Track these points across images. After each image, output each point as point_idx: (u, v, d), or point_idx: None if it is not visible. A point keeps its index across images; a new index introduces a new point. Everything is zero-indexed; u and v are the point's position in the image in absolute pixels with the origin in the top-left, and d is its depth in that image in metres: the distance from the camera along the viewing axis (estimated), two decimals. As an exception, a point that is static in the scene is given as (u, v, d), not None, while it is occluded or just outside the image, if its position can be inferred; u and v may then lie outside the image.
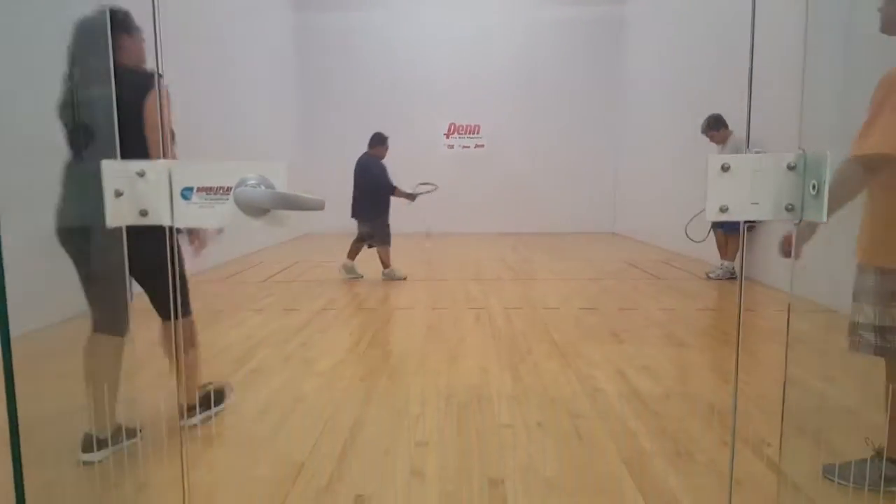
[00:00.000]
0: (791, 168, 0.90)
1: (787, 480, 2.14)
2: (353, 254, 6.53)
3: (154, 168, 0.85)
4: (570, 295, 5.69)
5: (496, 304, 5.21)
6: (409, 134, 11.28)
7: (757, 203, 0.91)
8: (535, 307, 5.06)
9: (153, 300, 2.27)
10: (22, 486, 0.88)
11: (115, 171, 0.84)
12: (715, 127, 6.03)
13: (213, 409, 2.60)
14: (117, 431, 2.28)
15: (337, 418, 2.71)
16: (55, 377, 2.75)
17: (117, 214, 0.85)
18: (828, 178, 0.86)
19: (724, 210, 0.92)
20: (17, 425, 0.80)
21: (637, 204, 10.48)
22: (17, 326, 1.01)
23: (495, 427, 2.60)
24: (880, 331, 1.99)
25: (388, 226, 6.48)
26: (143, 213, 0.87)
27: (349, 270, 6.48)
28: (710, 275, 6.16)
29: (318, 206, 0.83)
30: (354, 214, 6.46)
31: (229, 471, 2.28)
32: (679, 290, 5.82)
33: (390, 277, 6.40)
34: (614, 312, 4.88)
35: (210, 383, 2.76)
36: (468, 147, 11.65)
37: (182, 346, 2.13)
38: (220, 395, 2.78)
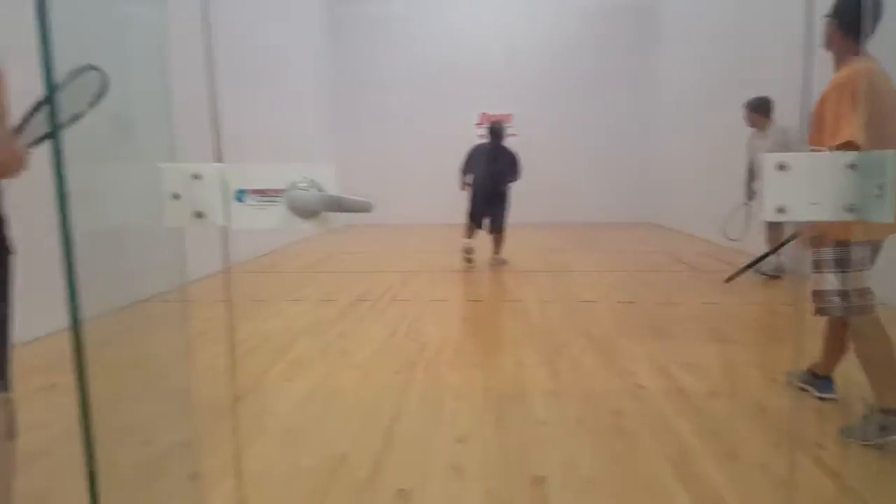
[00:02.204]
0: (851, 167, 0.87)
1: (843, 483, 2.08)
2: (471, 234, 6.74)
3: (209, 171, 0.87)
4: (606, 288, 5.62)
5: (530, 296, 5.18)
6: (440, 124, 11.29)
7: (817, 203, 0.88)
8: (570, 300, 5.02)
9: None
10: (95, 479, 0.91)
11: (171, 174, 0.86)
12: (760, 110, 5.72)
13: None
14: None
15: (375, 411, 2.74)
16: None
17: (174, 216, 0.87)
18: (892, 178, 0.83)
19: (782, 211, 0.89)
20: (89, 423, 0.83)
21: (675, 193, 10.28)
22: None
23: (534, 423, 2.59)
24: (843, 295, 2.42)
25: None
26: (199, 215, 0.89)
27: (500, 261, 6.81)
28: (759, 270, 5.98)
29: (365, 209, 0.84)
30: (484, 202, 6.60)
31: (274, 461, 2.33)
32: (723, 283, 5.69)
33: (502, 262, 6.75)
34: (654, 306, 4.81)
35: None
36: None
37: None
38: None
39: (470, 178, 6.72)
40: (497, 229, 6.75)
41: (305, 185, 0.85)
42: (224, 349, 3.31)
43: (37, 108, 1.75)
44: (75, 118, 1.72)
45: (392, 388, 3.03)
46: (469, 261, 6.60)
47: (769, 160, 0.88)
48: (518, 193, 6.83)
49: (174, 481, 2.30)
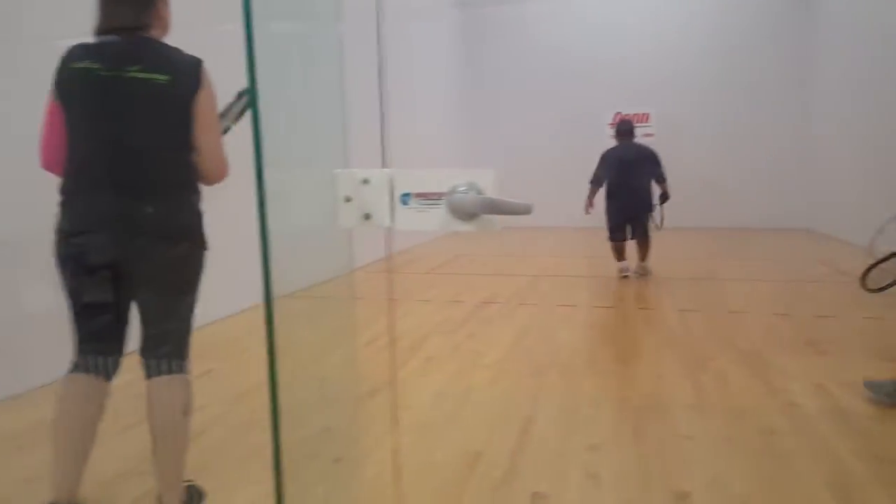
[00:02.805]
0: None
1: None
2: (622, 255, 6.11)
3: (377, 176, 0.92)
4: (757, 298, 5.21)
5: (668, 304, 4.94)
6: (571, 125, 11.07)
7: None
8: (715, 310, 4.71)
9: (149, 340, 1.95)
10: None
11: (345, 179, 0.93)
12: None
13: None
14: None
15: (508, 412, 2.76)
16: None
17: (346, 217, 0.94)
18: None
19: None
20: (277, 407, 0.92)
21: (834, 197, 9.29)
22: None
23: (676, 437, 2.47)
24: None
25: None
26: (367, 217, 0.95)
27: (645, 270, 6.13)
28: None
29: (525, 211, 0.85)
30: (629, 208, 5.96)
31: (409, 453, 2.42)
32: (890, 296, 5.07)
33: (646, 272, 6.10)
34: (811, 319, 4.39)
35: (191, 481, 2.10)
36: (634, 137, 11.11)
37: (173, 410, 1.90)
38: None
39: (602, 190, 6.08)
40: (640, 234, 6.04)
41: (465, 188, 0.88)
42: (360, 343, 3.49)
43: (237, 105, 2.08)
44: (226, 130, 2.02)
45: (524, 390, 3.03)
46: (626, 277, 6.02)
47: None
48: (655, 196, 6.28)
49: (322, 464, 2.46)
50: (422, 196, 0.91)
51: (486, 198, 0.87)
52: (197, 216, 1.95)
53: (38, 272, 2.50)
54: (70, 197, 1.83)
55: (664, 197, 6.02)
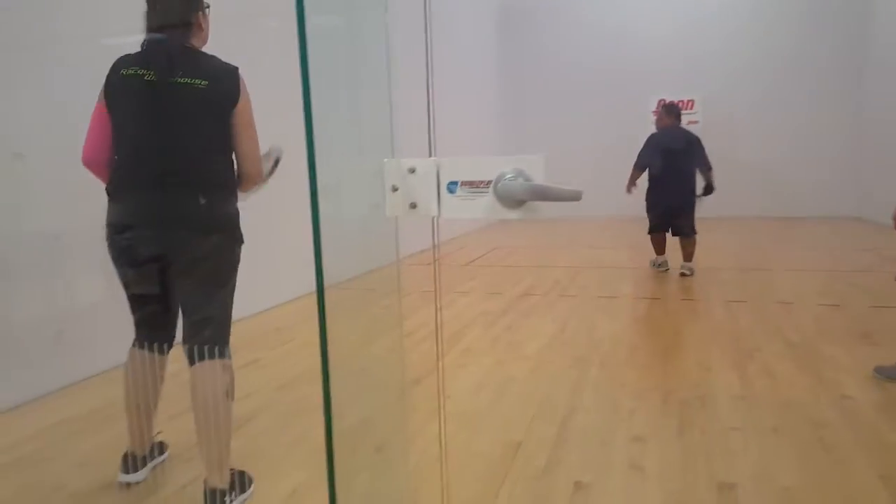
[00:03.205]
0: None
1: None
2: (662, 249, 5.80)
3: (423, 165, 0.93)
4: (806, 288, 5.06)
5: (714, 295, 4.84)
6: (612, 113, 10.88)
7: None
8: (763, 301, 4.59)
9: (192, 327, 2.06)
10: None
11: (392, 168, 0.94)
12: None
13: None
14: None
15: (549, 403, 2.75)
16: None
17: (393, 206, 0.95)
18: None
19: None
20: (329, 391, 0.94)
21: (889, 186, 8.92)
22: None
23: (722, 429, 2.42)
24: None
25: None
26: (413, 206, 0.96)
27: (689, 269, 5.63)
28: None
29: (574, 197, 0.84)
30: (672, 198, 5.52)
31: (450, 443, 2.44)
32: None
33: (691, 272, 5.59)
34: (865, 310, 4.24)
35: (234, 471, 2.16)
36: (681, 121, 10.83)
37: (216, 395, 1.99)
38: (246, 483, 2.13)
39: (643, 176, 5.69)
40: (685, 231, 5.58)
41: (513, 175, 0.88)
42: (401, 334, 3.52)
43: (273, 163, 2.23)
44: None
45: (565, 381, 3.01)
46: (665, 271, 5.74)
47: None
48: (700, 184, 5.93)
49: (364, 452, 2.51)
50: (469, 184, 0.91)
51: (534, 184, 0.87)
52: (233, 212, 2.07)
53: (91, 265, 2.63)
54: (116, 194, 1.97)
55: (709, 188, 5.60)
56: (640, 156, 5.70)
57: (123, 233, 1.95)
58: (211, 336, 2.00)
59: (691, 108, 10.79)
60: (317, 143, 0.78)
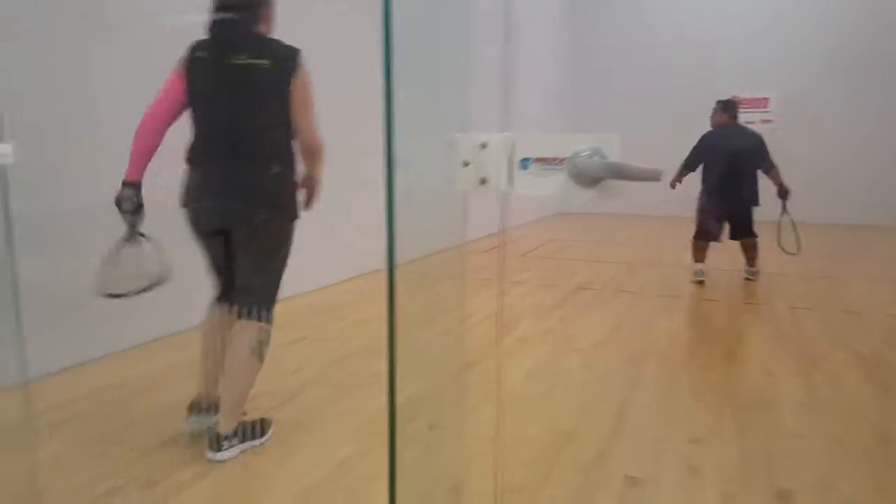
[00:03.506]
0: None
1: None
2: (702, 257, 5.30)
3: (496, 140, 0.94)
4: (878, 299, 4.80)
5: (779, 301, 4.65)
6: (682, 109, 10.54)
7: None
8: (830, 309, 4.39)
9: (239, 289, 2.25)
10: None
11: (464, 143, 0.95)
12: None
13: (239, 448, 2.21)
14: None
15: (602, 396, 2.72)
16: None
17: (464, 181, 0.96)
18: None
19: None
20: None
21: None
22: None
23: (783, 435, 2.34)
24: None
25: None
26: (483, 181, 0.96)
27: (753, 273, 5.31)
28: None
29: (653, 177, 0.82)
30: (729, 203, 5.06)
31: (501, 427, 2.44)
32: None
33: (755, 276, 5.29)
34: (943, 324, 4.00)
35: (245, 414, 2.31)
36: (752, 123, 10.35)
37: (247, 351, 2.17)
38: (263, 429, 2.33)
39: (694, 179, 5.20)
40: (745, 233, 5.15)
41: (588, 152, 0.87)
42: (462, 316, 3.54)
43: None
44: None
45: (620, 376, 2.97)
46: (701, 282, 5.19)
47: None
48: (771, 187, 5.47)
49: (417, 428, 2.55)
50: (542, 161, 0.91)
51: (611, 162, 0.85)
52: (289, 188, 2.22)
53: (148, 233, 2.80)
54: (191, 165, 2.16)
55: (783, 191, 5.11)
56: (689, 155, 5.23)
57: (194, 201, 2.15)
58: (253, 301, 2.18)
59: (765, 107, 10.35)
60: (395, 116, 0.80)
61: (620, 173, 0.84)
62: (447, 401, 2.54)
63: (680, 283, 5.38)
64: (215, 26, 2.11)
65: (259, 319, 2.17)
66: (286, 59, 2.10)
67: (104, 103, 3.06)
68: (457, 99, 0.96)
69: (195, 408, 2.26)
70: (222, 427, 2.11)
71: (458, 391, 2.68)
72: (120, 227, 2.99)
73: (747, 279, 5.27)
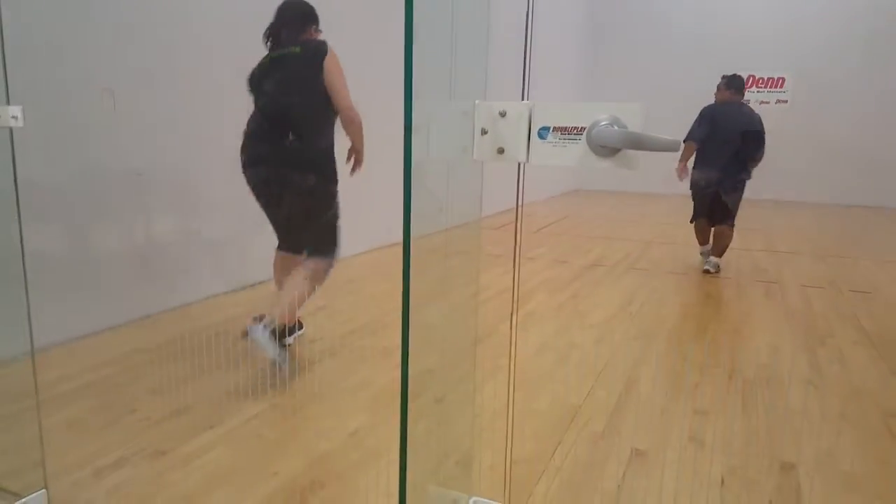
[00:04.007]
0: None
1: None
2: (706, 238, 5.08)
3: (515, 109, 0.93)
4: (886, 279, 4.78)
5: (791, 279, 4.64)
6: (694, 87, 10.40)
7: None
8: (840, 288, 4.38)
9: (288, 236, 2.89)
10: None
11: (482, 111, 0.95)
12: None
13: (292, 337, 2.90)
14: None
15: (610, 371, 2.74)
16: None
17: (480, 151, 0.96)
18: None
19: None
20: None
21: None
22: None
23: (788, 411, 2.36)
24: None
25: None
26: (500, 151, 0.97)
27: (714, 266, 4.93)
28: None
29: (672, 147, 0.83)
30: (715, 179, 4.80)
31: (514, 399, 2.48)
32: None
33: (716, 269, 4.89)
34: (954, 305, 3.98)
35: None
36: (767, 102, 10.22)
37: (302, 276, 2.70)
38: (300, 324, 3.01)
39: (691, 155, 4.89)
40: (723, 219, 4.84)
41: (608, 122, 0.87)
42: (475, 291, 3.56)
43: None
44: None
45: (629, 351, 2.99)
46: (709, 271, 4.87)
47: None
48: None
49: (425, 402, 2.58)
50: (562, 130, 0.91)
51: (629, 132, 0.86)
52: (330, 157, 2.66)
53: (172, 201, 2.90)
54: (247, 135, 2.68)
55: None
56: (692, 129, 4.89)
57: (248, 170, 2.66)
58: (306, 246, 2.75)
59: (781, 87, 10.20)
60: (415, 82, 0.80)
61: (639, 143, 0.84)
62: (458, 374, 2.58)
63: (691, 260, 5.37)
64: (271, 34, 2.71)
65: (317, 255, 2.70)
66: (314, 46, 2.60)
67: (110, 67, 3.06)
68: (476, 66, 0.96)
69: (257, 319, 2.57)
70: (264, 321, 2.49)
71: (468, 365, 2.72)
72: (140, 194, 3.12)
73: (706, 271, 4.85)
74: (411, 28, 0.81)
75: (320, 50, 2.58)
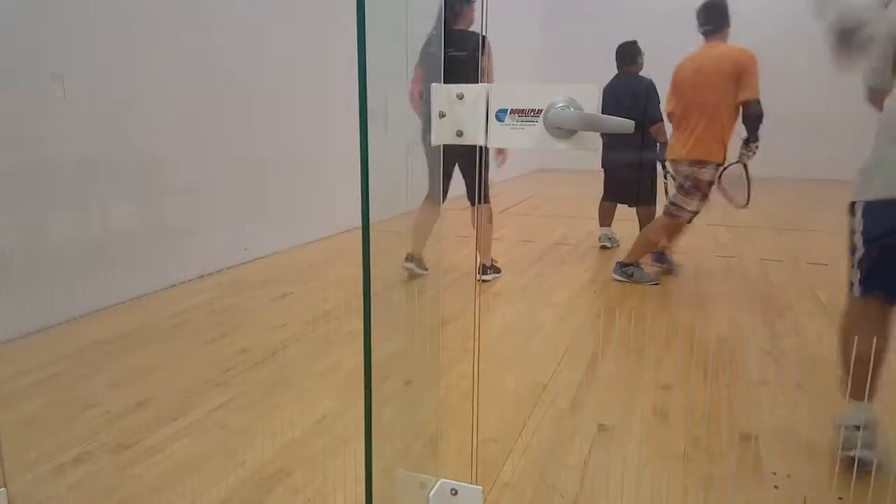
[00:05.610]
0: None
1: None
2: (608, 217, 4.97)
3: (472, 91, 0.93)
4: (842, 250, 4.94)
5: (750, 253, 4.76)
6: (657, 56, 10.50)
7: None
8: (797, 261, 4.52)
9: (468, 189, 3.79)
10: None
11: (440, 94, 0.94)
12: None
13: (493, 276, 3.99)
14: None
15: (575, 349, 2.78)
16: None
17: (439, 134, 0.95)
18: None
19: None
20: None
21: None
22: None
23: (747, 382, 2.44)
24: None
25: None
26: (459, 134, 0.96)
27: (602, 238, 4.96)
28: None
29: (626, 128, 0.83)
30: (617, 160, 4.62)
31: (481, 379, 2.50)
32: None
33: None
34: (903, 275, 4.14)
35: (495, 260, 4.08)
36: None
37: (482, 223, 3.73)
38: (497, 269, 4.06)
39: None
40: (636, 198, 4.59)
41: (564, 104, 0.87)
42: (438, 274, 3.56)
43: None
44: None
45: (593, 329, 3.04)
46: (604, 248, 4.87)
47: None
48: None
49: (393, 385, 2.59)
50: (519, 112, 0.91)
51: (585, 114, 0.86)
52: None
53: (125, 190, 2.75)
54: None
55: (663, 148, 4.31)
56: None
57: None
58: (477, 198, 3.65)
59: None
60: (368, 66, 0.78)
61: (595, 125, 0.85)
62: (424, 357, 2.58)
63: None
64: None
65: (482, 202, 3.79)
66: (473, 47, 3.18)
67: (75, 56, 2.95)
68: (433, 48, 0.95)
69: (409, 258, 2.74)
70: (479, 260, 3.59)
71: (434, 347, 2.73)
72: (92, 182, 2.94)
73: (604, 247, 4.84)
74: (363, 11, 0.79)
75: (478, 50, 3.18)
